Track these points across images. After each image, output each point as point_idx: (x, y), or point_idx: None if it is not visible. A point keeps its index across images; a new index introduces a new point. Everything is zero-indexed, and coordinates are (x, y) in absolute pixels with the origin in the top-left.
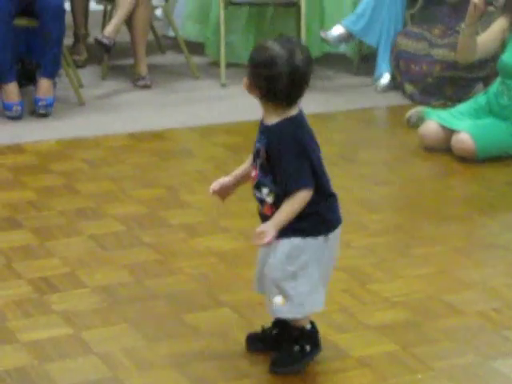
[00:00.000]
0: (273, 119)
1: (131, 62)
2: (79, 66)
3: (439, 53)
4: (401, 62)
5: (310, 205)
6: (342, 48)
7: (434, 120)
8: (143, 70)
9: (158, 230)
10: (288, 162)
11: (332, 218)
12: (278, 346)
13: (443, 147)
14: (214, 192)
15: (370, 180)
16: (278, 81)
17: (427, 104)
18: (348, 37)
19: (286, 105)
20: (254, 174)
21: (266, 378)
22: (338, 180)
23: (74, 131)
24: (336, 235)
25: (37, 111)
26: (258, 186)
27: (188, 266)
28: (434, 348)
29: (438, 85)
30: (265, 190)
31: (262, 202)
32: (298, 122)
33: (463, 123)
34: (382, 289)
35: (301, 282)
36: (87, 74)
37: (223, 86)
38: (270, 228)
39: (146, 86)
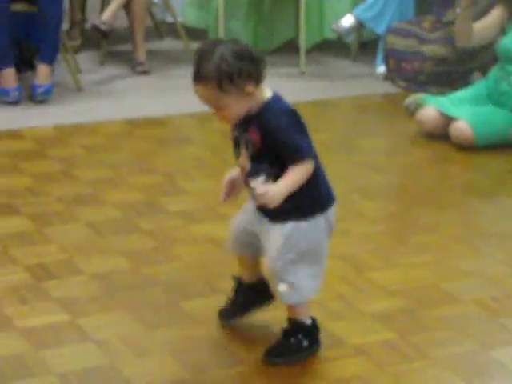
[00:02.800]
0: (254, 106)
1: (129, 48)
2: (74, 51)
3: (429, 49)
4: (391, 61)
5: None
6: (351, 38)
7: (432, 106)
8: (141, 55)
9: (156, 216)
10: (291, 135)
11: (324, 195)
12: (245, 309)
13: (442, 133)
14: (227, 193)
15: (368, 167)
16: (236, 67)
17: (425, 91)
18: (358, 27)
19: (261, 81)
20: (241, 170)
21: (262, 366)
22: (336, 167)
23: (71, 117)
24: (333, 212)
25: (35, 98)
26: (250, 178)
27: (185, 253)
28: (431, 336)
29: (431, 81)
30: (260, 179)
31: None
32: (279, 98)
33: (462, 110)
34: (379, 277)
35: (301, 266)
36: (85, 60)
37: None
38: (276, 190)
39: (144, 72)
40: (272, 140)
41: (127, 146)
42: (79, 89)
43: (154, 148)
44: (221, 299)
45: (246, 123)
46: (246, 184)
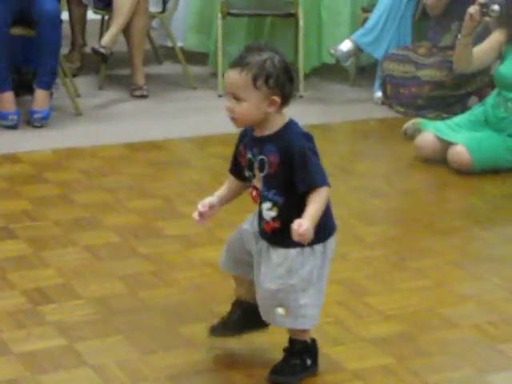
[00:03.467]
0: (273, 126)
1: (128, 72)
2: (73, 74)
3: (426, 73)
4: (389, 87)
5: None
6: (349, 63)
7: (430, 131)
8: (140, 79)
9: (154, 240)
10: (311, 159)
11: (329, 224)
12: (241, 327)
13: (439, 158)
14: (202, 215)
15: (367, 192)
16: (280, 76)
17: (422, 116)
18: (357, 51)
19: (286, 105)
20: (254, 193)
21: None
22: (335, 192)
23: (70, 141)
24: (333, 239)
25: (32, 123)
26: (261, 199)
27: (183, 278)
28: (429, 361)
29: (428, 105)
30: (266, 206)
31: (262, 217)
32: (296, 122)
33: (459, 135)
34: (378, 301)
35: (301, 294)
36: (84, 84)
37: (220, 96)
38: (309, 224)
39: (143, 96)
40: (289, 163)
41: (125, 170)
42: (78, 113)
43: (152, 172)
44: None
45: (263, 143)
46: (259, 204)
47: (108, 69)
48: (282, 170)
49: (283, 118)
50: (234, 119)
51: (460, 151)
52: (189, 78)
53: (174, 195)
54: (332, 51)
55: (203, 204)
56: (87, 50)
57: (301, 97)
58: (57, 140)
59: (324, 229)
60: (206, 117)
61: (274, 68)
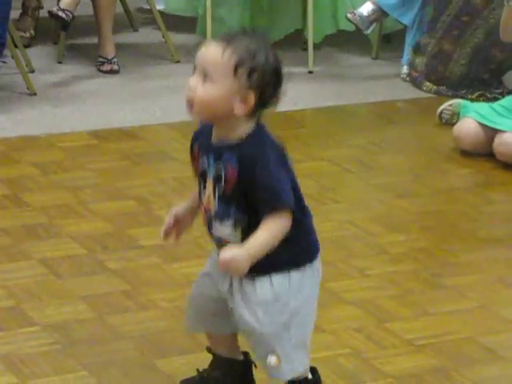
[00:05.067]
0: (238, 131)
1: (95, 42)
2: (24, 45)
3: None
4: (420, 59)
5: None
6: (371, 30)
7: (471, 117)
8: (109, 51)
9: (126, 253)
10: (273, 175)
11: (313, 240)
12: None
13: (483, 151)
14: (169, 229)
15: (392, 191)
16: (267, 75)
17: (462, 97)
18: (380, 15)
19: (258, 112)
20: (204, 211)
21: None
22: (352, 191)
23: (21, 128)
24: (319, 261)
25: None
26: (215, 222)
27: (163, 299)
28: None
29: (468, 84)
30: (227, 225)
31: (221, 242)
32: (265, 128)
33: (508, 121)
34: (405, 328)
35: (296, 331)
36: (39, 57)
37: None
38: (243, 256)
39: (112, 72)
40: (249, 178)
41: (91, 165)
42: (31, 92)
43: (125, 167)
44: (206, 357)
45: (221, 153)
46: (209, 229)
47: (69, 38)
48: (240, 185)
49: (249, 124)
50: (190, 104)
51: (509, 141)
52: (171, 49)
53: (152, 196)
54: (350, 16)
55: (170, 215)
56: (43, 13)
57: (310, 72)
58: (4, 127)
59: (307, 245)
60: None
61: (265, 62)
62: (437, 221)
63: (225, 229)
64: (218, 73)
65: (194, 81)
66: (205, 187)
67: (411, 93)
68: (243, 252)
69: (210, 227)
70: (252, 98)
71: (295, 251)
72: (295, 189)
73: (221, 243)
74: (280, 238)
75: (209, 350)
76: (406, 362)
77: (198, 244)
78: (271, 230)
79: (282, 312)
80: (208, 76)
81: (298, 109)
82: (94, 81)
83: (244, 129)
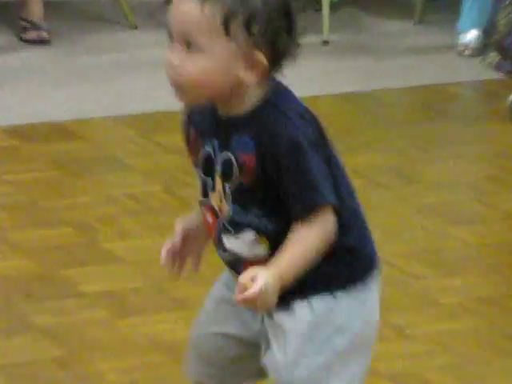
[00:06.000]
0: (247, 102)
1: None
2: None
3: None
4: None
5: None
6: None
7: None
8: (36, 12)
9: (60, 303)
10: (310, 163)
11: (369, 251)
12: None
13: None
14: (175, 250)
15: (444, 216)
16: (272, 19)
17: None
18: None
19: (277, 70)
20: (211, 219)
21: None
22: (386, 215)
23: None
24: (379, 281)
25: None
26: (228, 234)
27: (111, 370)
28: None
29: None
30: (248, 237)
31: (239, 261)
32: (289, 91)
33: None
34: None
35: (341, 374)
36: None
37: None
38: (274, 284)
39: (40, 41)
40: (272, 166)
41: (9, 176)
42: None
43: (56, 179)
44: None
45: (229, 130)
46: (219, 245)
47: None
48: (262, 176)
49: (264, 88)
50: (178, 84)
51: None
52: (125, 10)
53: (96, 221)
54: None
55: (169, 243)
56: None
57: (325, 43)
58: None
59: (357, 259)
60: (156, 77)
61: (264, 3)
62: (505, 258)
63: (243, 242)
64: (205, 36)
65: (176, 54)
66: (213, 187)
67: (470, 73)
68: (273, 277)
69: (219, 241)
70: (261, 58)
71: (342, 264)
72: (338, 175)
73: (239, 263)
74: (322, 248)
75: None
76: None
77: (162, 291)
78: (307, 240)
79: (322, 348)
80: (192, 44)
81: (308, 95)
82: (13, 55)
83: (254, 96)
